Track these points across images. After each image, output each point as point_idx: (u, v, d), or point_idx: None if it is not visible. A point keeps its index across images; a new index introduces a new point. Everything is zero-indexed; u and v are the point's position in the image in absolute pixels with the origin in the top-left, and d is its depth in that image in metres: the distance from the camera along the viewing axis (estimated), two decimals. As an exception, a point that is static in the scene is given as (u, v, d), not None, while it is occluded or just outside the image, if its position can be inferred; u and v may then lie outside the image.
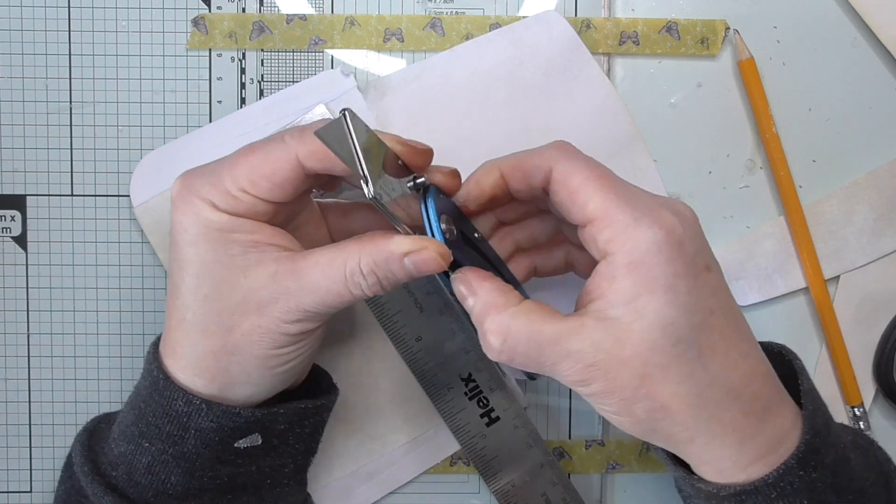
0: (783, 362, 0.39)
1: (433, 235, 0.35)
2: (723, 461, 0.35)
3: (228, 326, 0.37)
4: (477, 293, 0.35)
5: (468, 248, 0.37)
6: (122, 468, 0.39)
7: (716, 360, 0.34)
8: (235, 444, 0.39)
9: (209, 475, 0.39)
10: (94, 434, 0.41)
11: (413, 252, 0.35)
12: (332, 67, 0.47)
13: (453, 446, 0.48)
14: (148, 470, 0.38)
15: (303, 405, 0.41)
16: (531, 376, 0.41)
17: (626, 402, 0.34)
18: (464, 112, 0.46)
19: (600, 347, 0.33)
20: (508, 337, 0.34)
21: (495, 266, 0.40)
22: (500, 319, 0.34)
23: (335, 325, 0.47)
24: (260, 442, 0.40)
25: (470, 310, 0.36)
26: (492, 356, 0.35)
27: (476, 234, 0.37)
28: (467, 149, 0.46)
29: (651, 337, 0.33)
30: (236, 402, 0.39)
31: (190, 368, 0.38)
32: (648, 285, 0.33)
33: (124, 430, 0.39)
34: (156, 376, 0.38)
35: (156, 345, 0.40)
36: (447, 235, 0.36)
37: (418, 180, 0.37)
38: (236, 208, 0.36)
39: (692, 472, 0.37)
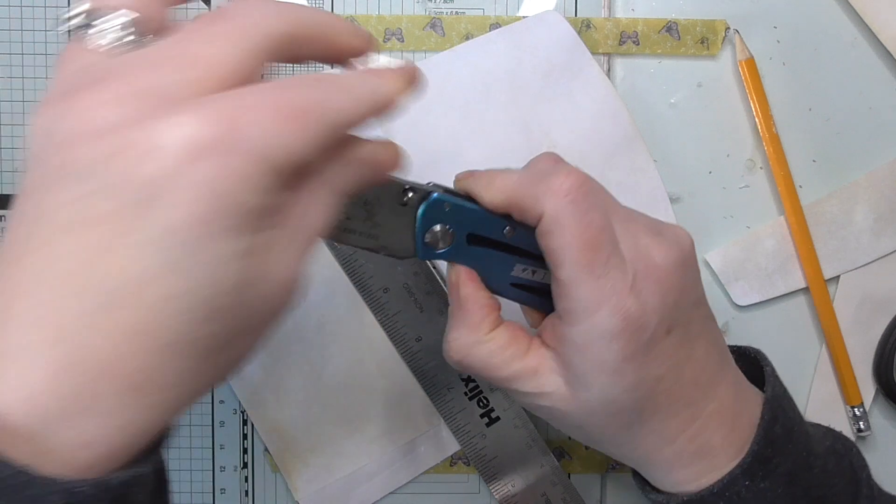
0: (755, 366, 0.39)
1: (418, 250, 0.35)
2: (666, 481, 0.37)
3: (250, 329, 0.27)
4: (456, 300, 0.36)
5: (478, 250, 0.36)
6: None
7: (657, 418, 0.35)
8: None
9: None
10: None
11: (369, 152, 0.30)
12: (332, 67, 0.47)
13: (453, 446, 0.48)
14: None
15: (156, 455, 0.27)
16: None
17: (568, 430, 0.37)
18: (464, 112, 0.46)
19: (548, 399, 0.35)
20: (465, 359, 0.36)
21: (523, 263, 0.37)
22: (463, 341, 0.36)
23: (334, 326, 0.47)
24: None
25: (450, 311, 0.37)
26: (447, 361, 0.36)
27: (505, 230, 0.35)
28: (467, 148, 0.46)
29: (591, 408, 0.35)
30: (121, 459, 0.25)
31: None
32: (597, 366, 0.34)
33: None
34: None
35: None
36: (436, 247, 0.35)
37: (410, 193, 0.34)
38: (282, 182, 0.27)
39: (645, 483, 0.38)
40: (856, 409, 0.48)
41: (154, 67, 0.25)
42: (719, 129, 0.48)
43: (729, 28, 0.47)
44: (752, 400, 0.37)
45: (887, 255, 0.48)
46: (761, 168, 0.48)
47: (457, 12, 0.47)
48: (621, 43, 0.47)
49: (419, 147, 0.46)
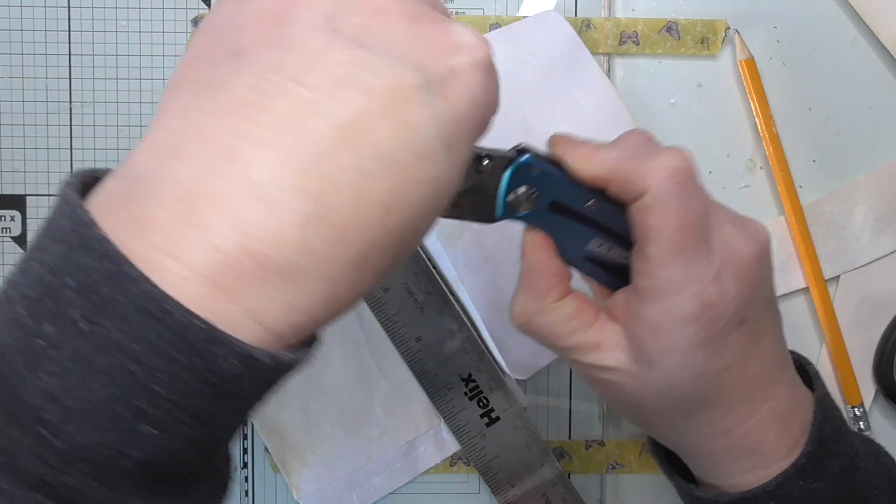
0: (798, 368, 0.39)
1: (499, 209, 0.35)
2: (712, 474, 0.37)
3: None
4: (527, 264, 0.36)
5: (558, 218, 0.35)
6: (82, 467, 0.22)
7: (715, 409, 0.35)
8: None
9: (224, 453, 0.29)
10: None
11: None
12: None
13: (453, 446, 0.48)
14: (144, 467, 0.23)
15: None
16: None
17: (621, 410, 0.37)
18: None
19: (608, 373, 0.35)
20: (527, 325, 0.36)
21: (601, 238, 0.37)
22: (528, 307, 0.36)
23: (334, 326, 0.46)
24: None
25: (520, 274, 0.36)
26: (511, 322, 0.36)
27: (589, 203, 0.35)
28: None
29: (654, 389, 0.34)
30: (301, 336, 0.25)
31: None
32: (668, 348, 0.33)
33: (88, 409, 0.22)
34: (181, 322, 0.22)
35: (114, 250, 0.22)
36: (517, 209, 0.35)
37: (486, 161, 0.34)
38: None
39: (689, 482, 0.38)
40: (856, 410, 0.48)
41: None
42: (719, 129, 0.48)
43: (729, 28, 0.47)
44: (805, 401, 0.37)
45: (887, 255, 0.48)
46: (761, 168, 0.48)
47: (457, 12, 0.47)
48: (621, 43, 0.47)
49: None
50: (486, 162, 0.34)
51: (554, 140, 0.35)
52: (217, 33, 0.25)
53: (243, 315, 0.23)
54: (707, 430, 0.35)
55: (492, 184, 0.34)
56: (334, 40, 0.24)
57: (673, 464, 0.39)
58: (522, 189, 0.34)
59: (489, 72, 0.26)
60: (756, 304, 0.35)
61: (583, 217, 0.35)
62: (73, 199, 0.23)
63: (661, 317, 0.33)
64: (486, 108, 0.26)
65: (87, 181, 0.24)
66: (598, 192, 0.35)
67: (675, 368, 0.33)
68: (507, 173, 0.34)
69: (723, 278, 0.33)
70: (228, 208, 0.22)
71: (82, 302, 0.22)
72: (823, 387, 0.38)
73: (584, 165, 0.34)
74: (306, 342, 0.26)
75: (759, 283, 0.35)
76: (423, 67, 0.24)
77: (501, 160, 0.34)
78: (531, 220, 0.35)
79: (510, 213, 0.35)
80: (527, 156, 0.34)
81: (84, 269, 0.22)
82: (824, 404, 0.37)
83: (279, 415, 0.47)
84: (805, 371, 0.39)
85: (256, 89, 0.23)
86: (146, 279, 0.22)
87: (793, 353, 0.39)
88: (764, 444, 0.35)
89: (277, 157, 0.23)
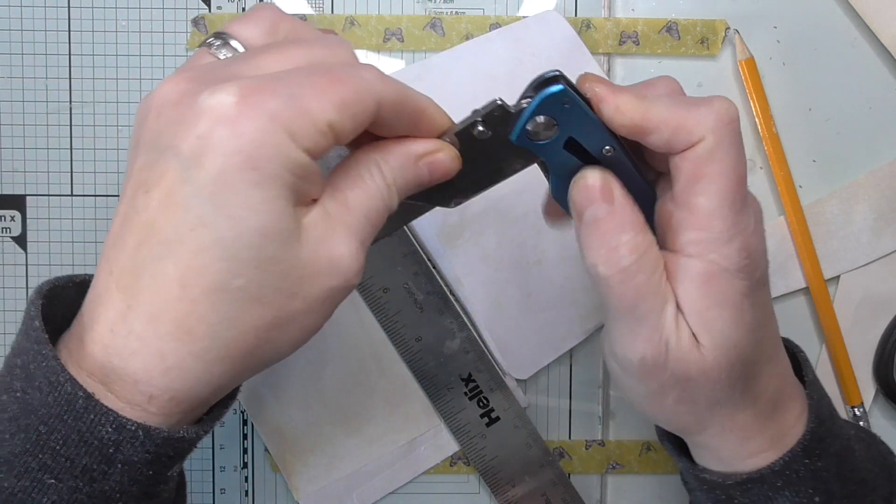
0: (788, 354, 0.39)
1: (516, 132, 0.33)
2: (723, 451, 0.36)
3: (292, 292, 0.29)
4: (616, 197, 0.33)
5: (569, 158, 0.34)
6: None
7: (759, 376, 0.35)
8: (168, 473, 0.31)
9: None
10: None
11: (427, 154, 0.33)
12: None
13: (453, 446, 0.48)
14: None
15: (224, 412, 0.33)
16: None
17: (663, 389, 0.34)
18: (464, 112, 0.46)
19: (676, 345, 0.33)
20: (639, 263, 0.32)
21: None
22: (639, 240, 0.32)
23: (334, 326, 0.47)
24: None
25: (591, 217, 0.33)
26: (607, 269, 0.33)
27: (606, 149, 0.33)
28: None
29: (718, 358, 0.33)
30: (178, 409, 0.29)
31: (158, 340, 0.28)
32: (720, 301, 0.32)
33: (10, 460, 0.29)
34: (70, 392, 0.28)
35: (46, 333, 0.30)
36: (534, 138, 0.33)
37: (480, 127, 0.33)
38: (316, 148, 0.29)
39: (695, 463, 0.38)
40: (856, 410, 0.48)
41: (246, 72, 0.30)
42: (719, 129, 0.47)
43: (729, 28, 0.47)
44: (796, 384, 0.37)
45: (887, 255, 0.48)
46: (761, 168, 0.48)
47: (457, 12, 0.47)
48: (621, 43, 0.47)
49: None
50: (479, 129, 0.33)
51: (588, 79, 0.33)
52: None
53: (114, 389, 0.29)
54: (747, 397, 0.35)
55: (500, 134, 0.33)
56: (132, 151, 0.30)
57: (680, 447, 0.38)
58: (543, 119, 0.33)
59: (235, 119, 0.27)
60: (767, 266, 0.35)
61: (592, 162, 0.34)
62: (32, 297, 0.31)
63: (711, 269, 0.32)
64: (253, 149, 0.27)
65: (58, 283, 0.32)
66: (618, 140, 0.33)
67: (729, 325, 0.32)
68: (539, 98, 0.32)
69: (757, 229, 0.33)
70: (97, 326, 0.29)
71: (21, 375, 0.29)
72: (813, 371, 0.38)
73: (628, 111, 0.32)
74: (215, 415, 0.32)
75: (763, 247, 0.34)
76: (176, 149, 0.28)
77: (534, 84, 0.33)
78: (542, 153, 0.33)
79: (524, 139, 0.33)
80: (561, 86, 0.32)
81: (24, 350, 0.30)
82: (817, 386, 0.37)
83: (279, 415, 0.47)
84: (794, 356, 0.39)
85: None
86: (56, 358, 0.29)
87: (784, 339, 0.39)
88: (784, 406, 0.36)
89: (101, 264, 0.29)
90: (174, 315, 0.28)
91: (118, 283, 0.29)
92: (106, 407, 0.28)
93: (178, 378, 0.29)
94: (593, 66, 0.46)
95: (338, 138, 0.29)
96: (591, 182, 0.33)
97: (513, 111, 0.33)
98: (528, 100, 0.32)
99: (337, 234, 0.30)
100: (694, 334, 0.33)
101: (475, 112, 0.33)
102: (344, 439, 0.47)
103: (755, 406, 0.35)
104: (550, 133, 0.33)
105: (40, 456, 0.28)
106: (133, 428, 0.28)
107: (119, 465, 0.29)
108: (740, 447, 0.35)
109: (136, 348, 0.28)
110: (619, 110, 0.32)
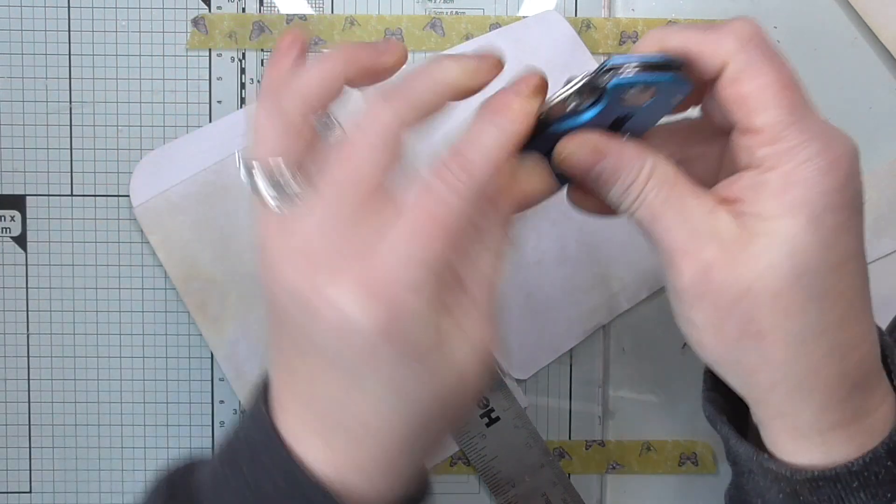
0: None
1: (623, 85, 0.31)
2: (801, 417, 0.32)
3: (457, 406, 0.32)
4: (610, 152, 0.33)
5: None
6: None
7: (836, 310, 0.31)
8: None
9: None
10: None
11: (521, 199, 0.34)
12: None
13: (453, 446, 0.48)
14: None
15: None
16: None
17: (720, 313, 0.31)
18: (464, 111, 0.46)
19: (718, 242, 0.31)
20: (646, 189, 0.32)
21: None
22: (650, 162, 0.32)
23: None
24: None
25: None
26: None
27: (625, 137, 0.33)
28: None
29: (775, 258, 0.30)
30: None
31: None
32: (793, 209, 0.30)
33: None
34: (312, 496, 0.30)
35: (278, 442, 0.31)
36: (619, 103, 0.32)
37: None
38: (435, 288, 0.31)
39: (760, 450, 0.34)
40: (856, 410, 0.48)
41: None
42: (719, 130, 0.48)
43: (729, 28, 0.47)
44: (881, 368, 0.33)
45: (887, 255, 0.48)
46: (761, 168, 0.48)
47: (457, 12, 0.47)
48: (621, 43, 0.47)
49: (419, 145, 0.46)
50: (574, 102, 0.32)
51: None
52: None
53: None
54: (817, 349, 0.31)
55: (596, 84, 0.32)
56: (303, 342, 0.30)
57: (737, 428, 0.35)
58: (642, 91, 0.31)
59: (365, 315, 0.28)
60: (859, 206, 0.32)
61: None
62: (256, 394, 0.33)
63: (789, 178, 0.30)
64: (391, 331, 0.28)
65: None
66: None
67: (802, 229, 0.30)
68: (668, 76, 0.31)
69: (841, 150, 0.30)
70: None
71: (251, 463, 0.31)
72: None
73: (645, 44, 0.33)
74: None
75: (860, 189, 0.31)
76: (316, 346, 0.30)
77: (600, 70, 0.32)
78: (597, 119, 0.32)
79: (611, 100, 0.32)
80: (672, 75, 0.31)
81: (256, 443, 0.31)
82: None
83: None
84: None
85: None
86: (297, 465, 0.30)
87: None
88: (871, 383, 0.32)
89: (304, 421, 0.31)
90: (379, 455, 0.31)
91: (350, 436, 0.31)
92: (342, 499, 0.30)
93: (388, 491, 0.32)
94: (593, 66, 0.46)
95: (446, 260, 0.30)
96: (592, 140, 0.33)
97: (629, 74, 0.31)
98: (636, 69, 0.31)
99: (472, 332, 0.30)
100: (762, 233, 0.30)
101: (576, 80, 0.32)
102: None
103: (842, 363, 0.31)
104: (625, 107, 0.32)
105: None
106: None
107: None
108: (819, 413, 0.32)
109: (361, 479, 0.31)
110: (640, 45, 0.33)
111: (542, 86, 0.33)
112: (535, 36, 0.46)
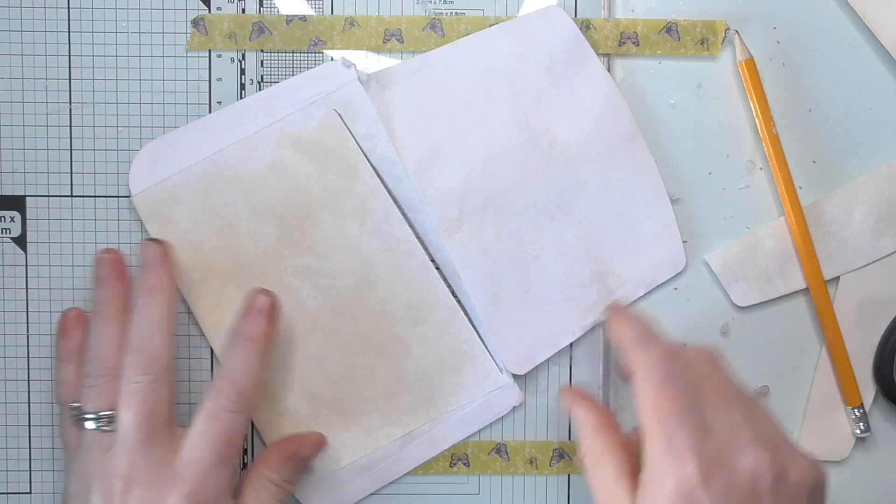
0: None
1: None
2: None
3: None
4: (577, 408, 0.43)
5: None
6: None
7: None
8: None
9: None
10: None
11: (306, 449, 0.46)
12: (331, 68, 0.47)
13: (448, 441, 0.47)
14: None
15: None
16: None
17: None
18: (465, 106, 0.46)
19: None
20: (585, 455, 0.42)
21: None
22: (590, 438, 0.42)
23: (328, 319, 0.46)
24: None
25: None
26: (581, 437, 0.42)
27: None
28: (468, 143, 0.46)
29: None
30: None
31: None
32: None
33: None
34: None
35: None
36: None
37: None
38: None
39: None
40: (856, 411, 0.47)
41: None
42: (719, 130, 0.48)
43: (729, 29, 0.47)
44: None
45: (887, 255, 0.48)
46: (761, 169, 0.48)
47: (456, 13, 0.47)
48: (621, 44, 0.47)
49: (420, 140, 0.46)
50: None
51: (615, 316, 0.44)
52: None
53: None
54: None
55: None
56: None
57: None
58: None
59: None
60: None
61: None
62: None
63: (651, 489, 0.37)
64: None
65: None
66: None
67: None
68: None
69: (712, 473, 0.36)
70: None
71: None
72: None
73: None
74: None
75: (756, 501, 0.36)
76: None
77: None
78: None
79: None
80: None
81: None
82: None
83: (275, 407, 0.47)
84: None
85: None
86: None
87: None
88: None
89: None
90: None
91: None
92: None
93: None
94: (595, 63, 0.46)
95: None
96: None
97: None
98: None
99: None
100: None
101: None
102: (339, 432, 0.47)
103: None
104: None
105: None
106: None
107: None
108: None
109: None
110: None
111: (273, 307, 0.44)
112: (537, 31, 0.46)
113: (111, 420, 0.41)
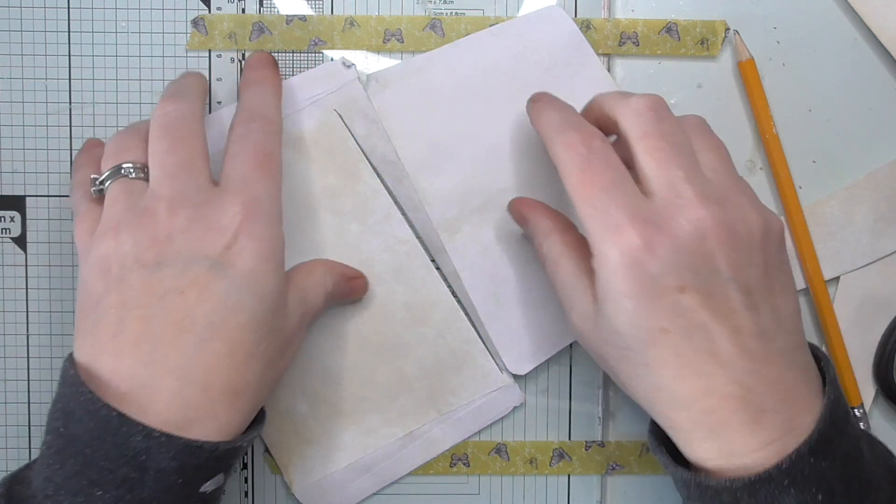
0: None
1: None
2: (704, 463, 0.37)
3: (283, 350, 0.40)
4: (528, 218, 0.43)
5: None
6: None
7: (665, 371, 0.36)
8: (202, 489, 0.37)
9: None
10: (13, 499, 0.37)
11: (354, 278, 0.45)
12: (331, 68, 0.47)
13: (449, 441, 0.47)
14: None
15: (255, 433, 0.39)
16: None
17: (596, 359, 0.40)
18: (465, 105, 0.46)
19: (577, 315, 0.39)
20: (544, 261, 0.41)
21: None
22: (546, 242, 0.41)
23: (330, 320, 0.46)
24: (223, 482, 0.38)
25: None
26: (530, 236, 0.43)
27: None
28: (468, 143, 0.46)
29: (605, 336, 0.37)
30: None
31: (212, 404, 0.36)
32: (605, 296, 0.36)
33: (65, 483, 0.35)
34: (105, 415, 0.35)
35: (77, 374, 0.36)
36: None
37: None
38: None
39: (695, 471, 0.37)
40: (856, 410, 0.47)
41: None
42: (719, 130, 0.47)
43: (729, 29, 0.47)
44: (796, 401, 0.36)
45: (887, 255, 0.48)
46: (761, 169, 0.48)
47: (457, 13, 0.47)
48: (621, 44, 0.47)
49: (420, 141, 0.46)
50: None
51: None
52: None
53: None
54: (664, 396, 0.36)
55: None
56: (145, 270, 0.37)
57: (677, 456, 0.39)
58: None
59: (254, 222, 0.38)
60: (703, 278, 0.36)
61: None
62: (68, 359, 0.37)
63: (596, 264, 0.37)
64: (269, 242, 0.38)
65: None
66: None
67: (612, 314, 0.36)
68: None
69: (653, 237, 0.35)
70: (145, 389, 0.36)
71: (62, 415, 0.36)
72: (834, 370, 0.38)
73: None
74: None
75: (707, 260, 0.36)
76: (205, 255, 0.37)
77: None
78: None
79: None
80: None
81: (62, 396, 0.36)
82: (835, 386, 0.37)
83: (275, 408, 0.47)
84: (816, 356, 0.39)
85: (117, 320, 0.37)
86: (90, 392, 0.35)
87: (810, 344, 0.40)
88: (728, 429, 0.36)
89: (153, 360, 0.36)
90: (224, 381, 0.36)
91: (165, 368, 0.36)
92: (135, 420, 0.35)
93: (228, 432, 0.37)
94: (595, 63, 0.46)
95: None
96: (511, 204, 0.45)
97: None
98: None
99: (301, 311, 0.41)
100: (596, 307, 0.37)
101: None
102: (340, 432, 0.47)
103: (688, 411, 0.36)
104: None
105: (88, 473, 0.35)
106: (158, 434, 0.34)
107: (151, 472, 0.35)
108: (691, 449, 0.37)
109: (194, 416, 0.36)
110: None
111: (272, 59, 0.44)
112: (537, 31, 0.46)
113: (141, 168, 0.39)
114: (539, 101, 0.41)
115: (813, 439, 0.35)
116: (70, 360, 0.37)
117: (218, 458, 0.36)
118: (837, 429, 0.36)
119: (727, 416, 0.35)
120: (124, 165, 0.39)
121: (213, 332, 0.36)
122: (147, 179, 0.39)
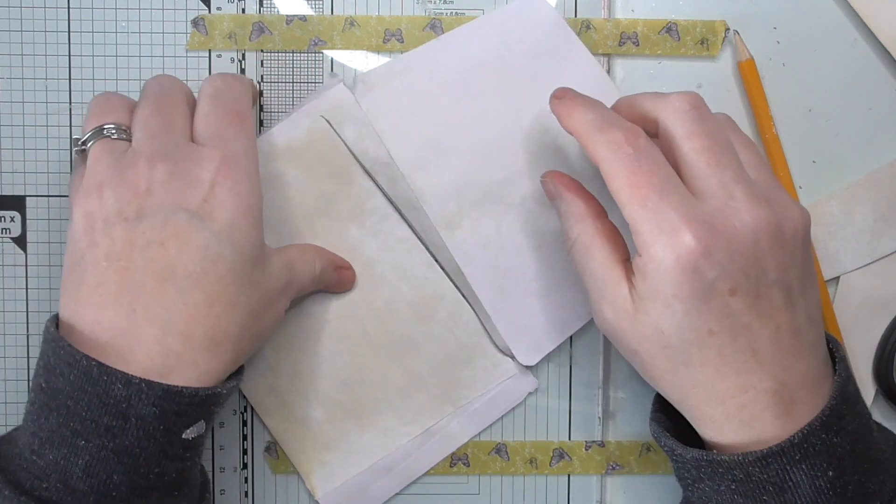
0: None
1: None
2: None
3: (269, 302, 0.41)
4: (563, 197, 0.41)
5: None
6: (53, 477, 0.36)
7: (705, 369, 0.36)
8: (183, 436, 0.37)
9: (155, 472, 0.37)
10: (1, 458, 0.38)
11: (342, 268, 0.46)
12: (331, 68, 0.47)
13: (466, 434, 0.47)
14: (86, 472, 0.36)
15: (235, 382, 0.40)
16: None
17: (627, 356, 0.39)
18: (455, 100, 0.46)
19: (615, 309, 0.38)
20: (573, 245, 0.40)
21: None
22: (578, 227, 0.40)
23: (338, 323, 0.46)
24: (204, 430, 0.39)
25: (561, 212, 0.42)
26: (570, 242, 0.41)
27: None
28: (460, 138, 0.46)
29: (645, 333, 0.37)
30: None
31: (193, 352, 0.37)
32: (652, 296, 0.36)
33: (49, 437, 0.36)
34: (85, 365, 0.35)
35: (57, 331, 0.37)
36: None
37: None
38: None
39: (707, 450, 0.38)
40: (856, 410, 0.48)
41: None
42: (719, 130, 0.47)
43: (729, 29, 0.47)
44: (817, 388, 0.37)
45: (887, 255, 0.48)
46: (761, 169, 0.48)
47: (456, 13, 0.47)
48: (621, 44, 0.47)
49: (412, 139, 0.46)
50: None
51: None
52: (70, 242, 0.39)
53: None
54: (700, 393, 0.37)
55: None
56: (127, 223, 0.37)
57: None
58: None
59: (232, 176, 0.38)
60: (754, 281, 0.36)
61: None
62: (50, 318, 0.38)
63: (645, 265, 0.36)
64: (246, 196, 0.39)
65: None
66: None
67: (658, 315, 0.36)
68: None
69: (710, 239, 0.35)
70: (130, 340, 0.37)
71: (44, 371, 0.37)
72: (844, 350, 0.39)
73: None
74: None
75: (758, 262, 0.36)
76: (185, 208, 0.37)
77: None
78: None
79: None
80: None
81: (43, 353, 0.37)
82: (845, 365, 0.38)
83: (291, 415, 0.47)
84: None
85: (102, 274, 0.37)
86: (70, 346, 0.36)
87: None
88: (761, 422, 0.36)
89: (134, 309, 0.37)
90: (204, 330, 0.37)
91: (146, 318, 0.37)
92: (115, 368, 0.35)
93: (207, 381, 0.37)
94: (580, 49, 0.46)
95: None
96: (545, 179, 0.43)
97: None
98: None
99: (286, 277, 0.41)
100: (639, 307, 0.37)
101: None
102: (356, 434, 0.47)
103: (723, 406, 0.37)
104: None
105: (71, 424, 0.36)
106: (138, 381, 0.35)
107: (133, 420, 0.36)
108: (719, 437, 0.37)
109: (174, 364, 0.37)
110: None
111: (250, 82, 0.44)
112: (520, 21, 0.46)
113: (124, 130, 0.40)
114: (565, 98, 0.40)
115: (825, 414, 0.36)
116: (52, 319, 0.38)
117: (198, 405, 0.37)
118: (849, 406, 0.37)
119: (761, 410, 0.36)
120: (106, 126, 0.40)
121: (193, 282, 0.37)
122: (129, 140, 0.40)
